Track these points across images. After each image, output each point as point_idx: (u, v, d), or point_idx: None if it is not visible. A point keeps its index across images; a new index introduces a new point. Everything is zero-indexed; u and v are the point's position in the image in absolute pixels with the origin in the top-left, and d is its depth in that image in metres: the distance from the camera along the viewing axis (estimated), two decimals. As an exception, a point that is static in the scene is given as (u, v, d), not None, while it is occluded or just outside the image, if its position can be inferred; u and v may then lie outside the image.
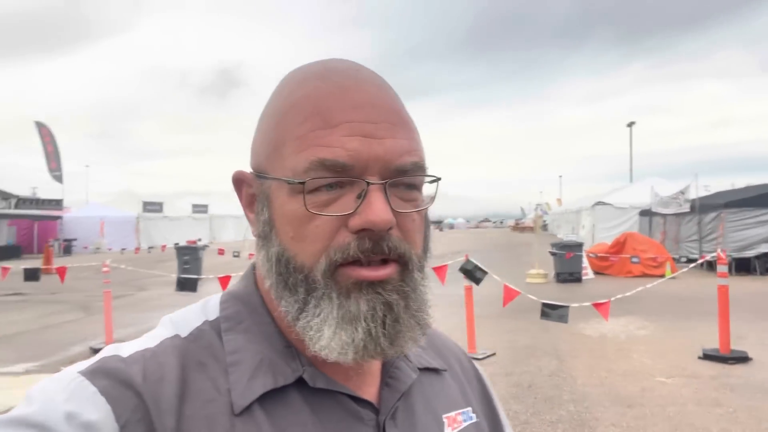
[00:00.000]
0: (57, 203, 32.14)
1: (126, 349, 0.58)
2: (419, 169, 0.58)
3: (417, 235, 0.59)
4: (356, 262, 0.55)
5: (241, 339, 0.61)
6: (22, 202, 30.15)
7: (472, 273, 6.78)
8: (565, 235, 26.18)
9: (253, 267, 0.67)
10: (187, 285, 7.94)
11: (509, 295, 6.49)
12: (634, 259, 14.11)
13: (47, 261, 19.58)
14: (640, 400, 5.05)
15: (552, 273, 14.33)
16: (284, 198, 0.57)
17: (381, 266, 0.56)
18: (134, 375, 0.55)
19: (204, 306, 0.66)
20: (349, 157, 0.54)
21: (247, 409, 0.56)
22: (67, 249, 29.41)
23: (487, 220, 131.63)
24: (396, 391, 0.65)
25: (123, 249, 28.44)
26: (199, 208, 40.48)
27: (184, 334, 0.61)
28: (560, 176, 78.40)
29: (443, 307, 10.09)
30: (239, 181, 0.65)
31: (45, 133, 33.50)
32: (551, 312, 6.20)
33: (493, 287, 6.57)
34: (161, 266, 16.11)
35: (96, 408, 0.52)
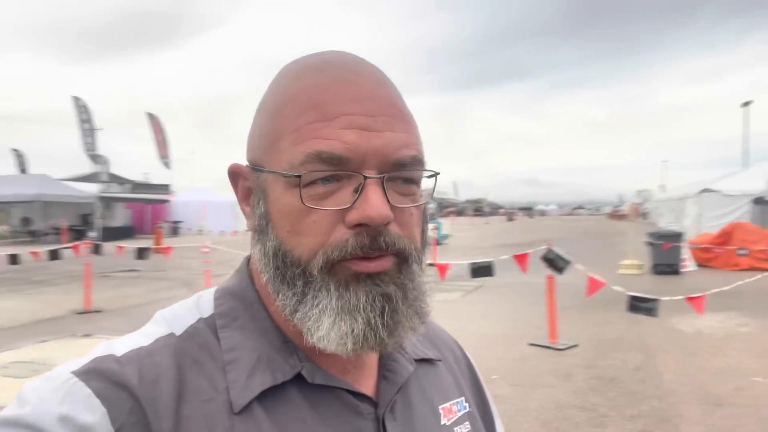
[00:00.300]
0: (165, 188, 34.77)
1: (120, 347, 0.57)
2: (418, 163, 0.57)
3: (415, 230, 0.59)
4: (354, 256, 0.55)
5: (237, 336, 0.60)
6: (136, 186, 32.97)
7: (555, 262, 6.65)
8: (666, 224, 24.66)
9: (247, 262, 0.67)
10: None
11: (593, 286, 6.32)
12: (742, 251, 13.08)
13: (158, 241, 21.35)
14: (732, 400, 4.77)
15: (648, 264, 13.61)
16: (280, 191, 0.56)
17: (378, 258, 0.55)
18: (130, 376, 0.53)
19: (197, 302, 0.65)
20: (347, 150, 0.53)
21: (247, 407, 0.55)
22: (175, 230, 31.92)
23: (581, 207, 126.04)
24: (394, 384, 0.64)
25: (221, 231, 30.30)
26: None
27: (178, 332, 0.60)
28: (664, 161, 73.77)
29: (527, 295, 9.94)
30: (235, 174, 0.64)
31: (155, 123, 36.24)
32: (640, 305, 5.95)
33: (583, 278, 6.40)
34: (256, 248, 17.01)
35: (91, 411, 0.51)
